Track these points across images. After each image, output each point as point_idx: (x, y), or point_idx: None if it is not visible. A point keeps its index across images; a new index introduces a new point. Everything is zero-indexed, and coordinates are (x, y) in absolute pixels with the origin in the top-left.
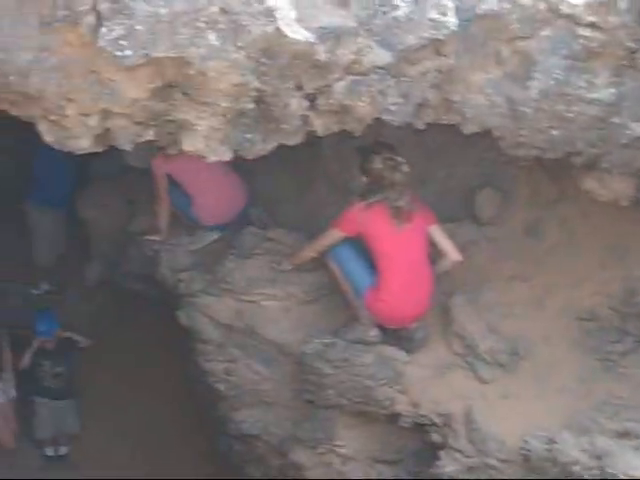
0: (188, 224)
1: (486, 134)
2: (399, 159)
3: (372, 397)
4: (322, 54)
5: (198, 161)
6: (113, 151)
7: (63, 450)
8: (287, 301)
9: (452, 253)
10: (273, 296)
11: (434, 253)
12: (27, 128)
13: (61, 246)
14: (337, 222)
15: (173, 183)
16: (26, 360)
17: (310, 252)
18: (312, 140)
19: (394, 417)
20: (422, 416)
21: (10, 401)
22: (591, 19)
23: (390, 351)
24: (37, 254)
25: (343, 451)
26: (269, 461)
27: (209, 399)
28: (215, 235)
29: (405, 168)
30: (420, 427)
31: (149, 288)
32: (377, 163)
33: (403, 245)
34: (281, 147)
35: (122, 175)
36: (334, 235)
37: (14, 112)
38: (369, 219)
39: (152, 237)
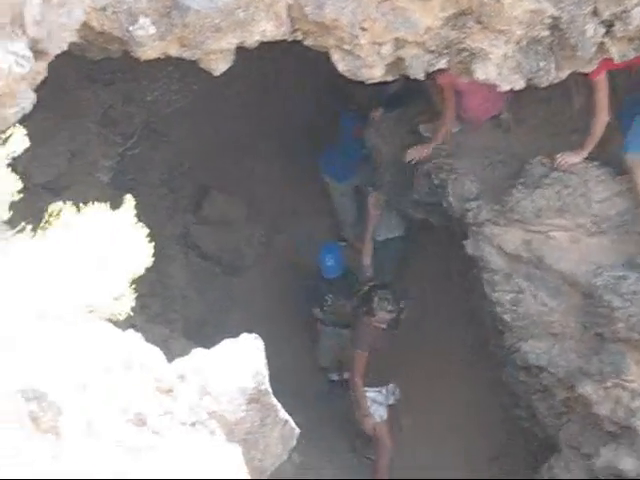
0: None
1: None
2: None
3: None
4: None
5: None
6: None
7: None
8: (575, 232)
9: None
10: (562, 226)
11: None
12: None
13: (351, 215)
14: None
15: None
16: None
17: None
18: None
19: None
20: None
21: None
22: None
23: None
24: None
25: (633, 386)
26: (555, 393)
27: (495, 329)
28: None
29: None
30: None
31: (434, 217)
32: None
33: None
34: None
35: (405, 107)
36: None
37: (308, 42)
38: None
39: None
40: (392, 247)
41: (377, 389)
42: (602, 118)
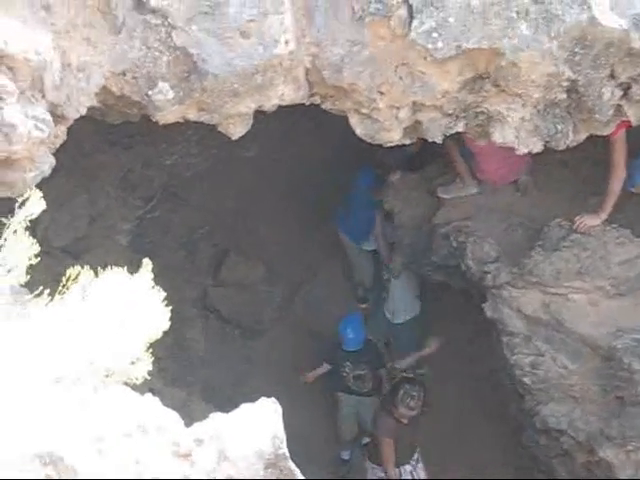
0: None
1: None
2: None
3: None
4: (637, 42)
5: None
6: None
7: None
8: (595, 294)
9: None
10: (581, 289)
11: None
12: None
13: (367, 276)
14: None
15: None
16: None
17: None
18: None
19: None
20: None
21: None
22: None
23: None
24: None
25: None
26: (575, 457)
27: (515, 392)
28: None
29: None
30: None
31: (453, 279)
32: None
33: None
34: None
35: (424, 168)
36: None
37: (326, 106)
38: None
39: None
40: (410, 327)
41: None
42: (619, 176)
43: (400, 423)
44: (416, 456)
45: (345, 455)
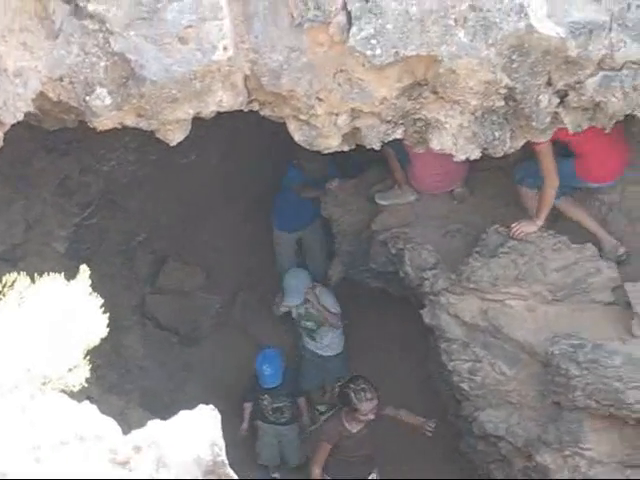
0: None
1: None
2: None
3: (621, 400)
4: (574, 50)
5: None
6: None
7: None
8: (532, 300)
9: None
10: (518, 295)
11: None
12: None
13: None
14: None
15: None
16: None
17: None
18: None
19: None
20: None
21: None
22: None
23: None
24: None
25: (590, 454)
26: (513, 462)
27: (452, 398)
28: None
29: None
30: None
31: (391, 286)
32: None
33: None
34: None
35: (362, 174)
36: None
37: (265, 112)
38: None
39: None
40: (336, 363)
41: None
42: (551, 183)
43: (361, 424)
44: (373, 476)
45: (276, 475)
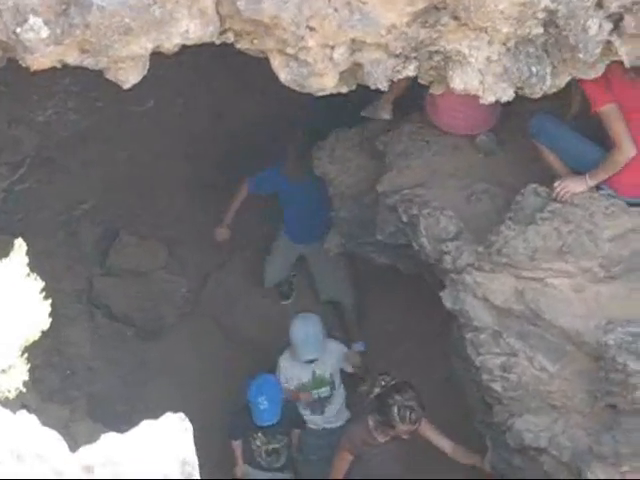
0: None
1: None
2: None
3: None
4: None
5: None
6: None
7: None
8: (580, 278)
9: None
10: (563, 272)
11: None
12: None
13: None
14: None
15: None
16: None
17: None
18: None
19: None
20: None
21: None
22: None
23: None
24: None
25: None
26: None
27: (481, 402)
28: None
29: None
30: None
31: (402, 262)
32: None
33: None
34: None
35: (365, 123)
36: None
37: (242, 46)
38: None
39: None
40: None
41: None
42: (623, 149)
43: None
44: None
45: None
